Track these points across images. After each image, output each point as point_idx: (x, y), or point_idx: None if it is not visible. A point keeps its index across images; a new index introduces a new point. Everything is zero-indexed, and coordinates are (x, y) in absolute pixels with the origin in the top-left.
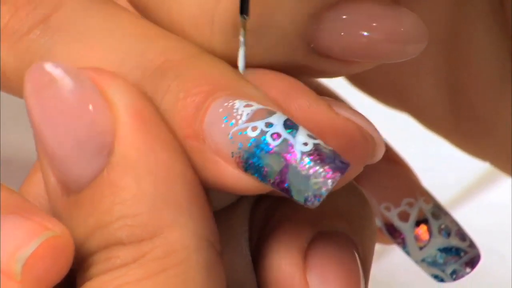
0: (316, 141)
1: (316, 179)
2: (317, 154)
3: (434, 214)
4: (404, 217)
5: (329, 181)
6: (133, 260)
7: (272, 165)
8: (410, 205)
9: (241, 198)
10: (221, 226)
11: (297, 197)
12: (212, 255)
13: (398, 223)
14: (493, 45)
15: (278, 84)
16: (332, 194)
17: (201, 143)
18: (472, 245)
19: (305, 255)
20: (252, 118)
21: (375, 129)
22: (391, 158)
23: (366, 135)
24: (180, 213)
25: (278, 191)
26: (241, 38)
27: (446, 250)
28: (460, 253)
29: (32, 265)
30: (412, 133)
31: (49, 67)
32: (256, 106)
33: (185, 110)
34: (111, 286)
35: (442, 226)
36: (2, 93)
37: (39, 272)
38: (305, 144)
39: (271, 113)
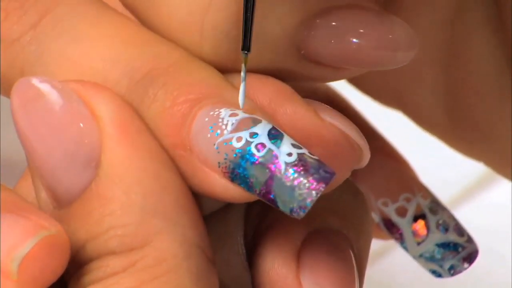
0: (301, 151)
1: (301, 191)
2: (302, 165)
3: (432, 210)
4: (401, 212)
5: (313, 192)
6: (123, 269)
7: (257, 176)
8: (408, 200)
9: None
10: (216, 225)
11: (283, 208)
12: (202, 262)
13: (395, 218)
14: (491, 52)
15: (266, 90)
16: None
17: (188, 152)
18: (470, 240)
19: (298, 255)
20: (237, 128)
21: (361, 135)
22: (389, 154)
23: (352, 142)
24: (169, 221)
25: (264, 201)
26: (242, 74)
27: (444, 245)
28: (458, 248)
29: (28, 264)
30: (412, 133)
31: (35, 81)
32: (241, 115)
33: (172, 119)
34: None
35: (440, 222)
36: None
37: (35, 271)
38: (289, 154)
39: (256, 122)
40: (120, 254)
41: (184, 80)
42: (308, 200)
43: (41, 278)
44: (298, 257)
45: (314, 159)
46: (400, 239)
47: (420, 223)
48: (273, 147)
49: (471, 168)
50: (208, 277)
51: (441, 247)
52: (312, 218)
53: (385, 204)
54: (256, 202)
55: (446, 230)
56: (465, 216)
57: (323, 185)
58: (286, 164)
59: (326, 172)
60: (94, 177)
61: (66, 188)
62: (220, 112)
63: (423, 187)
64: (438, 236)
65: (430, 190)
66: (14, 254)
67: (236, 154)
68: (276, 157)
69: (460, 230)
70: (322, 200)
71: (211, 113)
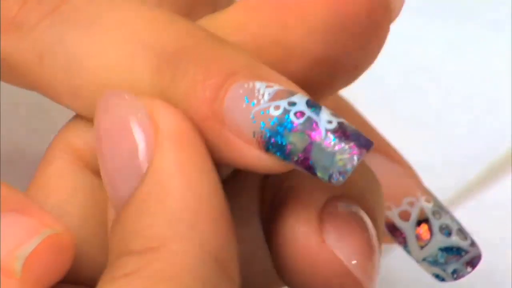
0: (340, 120)
1: (342, 156)
2: (342, 132)
3: (435, 213)
4: (405, 216)
5: (355, 157)
6: (134, 271)
7: (295, 143)
8: (411, 204)
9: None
10: (231, 200)
11: (322, 175)
12: (218, 275)
13: (399, 222)
14: None
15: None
16: None
17: (220, 124)
18: (473, 244)
19: (320, 217)
20: (274, 97)
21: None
22: (392, 157)
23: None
24: (190, 227)
25: (300, 169)
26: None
27: (447, 250)
28: (461, 253)
29: (32, 262)
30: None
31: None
32: (277, 87)
33: (204, 92)
34: None
35: (443, 226)
36: (3, 92)
37: (39, 270)
38: (330, 122)
39: (292, 93)
40: (136, 254)
41: (215, 54)
42: (349, 166)
43: (44, 277)
44: (320, 219)
45: (354, 128)
46: (404, 243)
47: (424, 227)
48: (312, 114)
49: (471, 167)
50: None
51: (444, 251)
52: (330, 187)
53: (389, 208)
54: (270, 177)
55: (449, 234)
56: (467, 215)
57: (364, 151)
58: (327, 130)
59: (366, 140)
60: (139, 184)
61: (119, 193)
62: (255, 84)
63: (426, 191)
64: (441, 240)
65: (433, 194)
66: (18, 253)
67: (274, 122)
68: (316, 124)
69: (463, 234)
70: None
71: (246, 85)
